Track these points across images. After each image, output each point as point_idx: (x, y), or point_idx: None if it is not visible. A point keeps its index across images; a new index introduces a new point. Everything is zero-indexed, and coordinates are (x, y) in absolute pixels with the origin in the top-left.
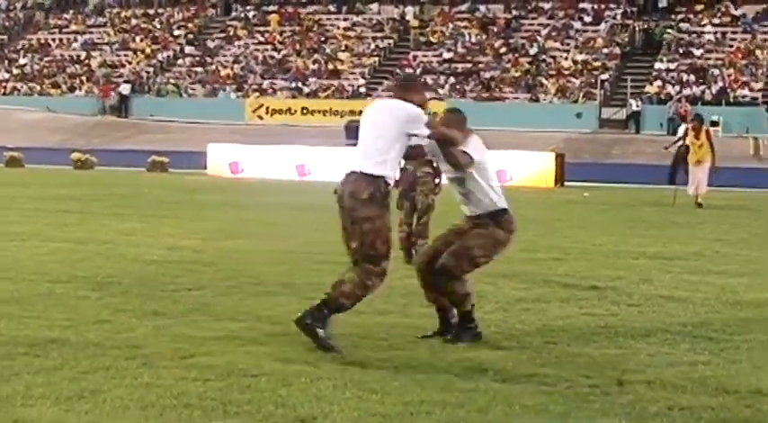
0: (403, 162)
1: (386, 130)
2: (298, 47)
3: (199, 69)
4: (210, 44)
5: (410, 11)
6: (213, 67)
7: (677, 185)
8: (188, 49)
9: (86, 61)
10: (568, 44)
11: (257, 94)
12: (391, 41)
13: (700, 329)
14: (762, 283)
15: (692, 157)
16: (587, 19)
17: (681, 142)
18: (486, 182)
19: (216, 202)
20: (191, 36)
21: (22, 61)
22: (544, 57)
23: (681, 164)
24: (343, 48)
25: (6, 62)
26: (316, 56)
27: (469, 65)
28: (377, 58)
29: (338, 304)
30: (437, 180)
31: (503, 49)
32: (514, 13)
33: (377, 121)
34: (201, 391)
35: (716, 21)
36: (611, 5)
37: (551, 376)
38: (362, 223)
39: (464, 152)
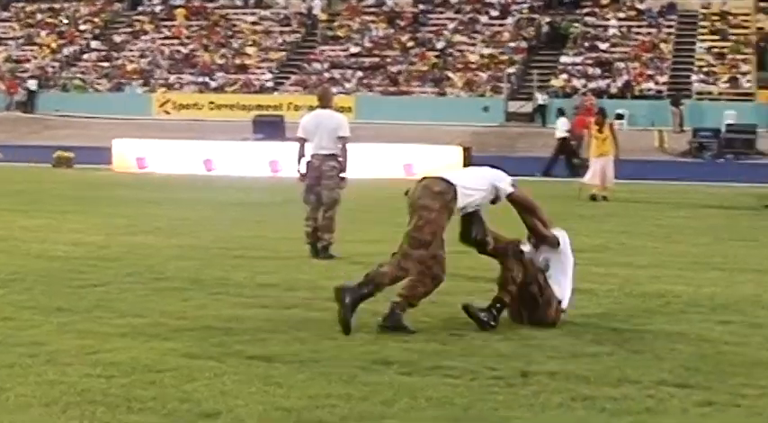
0: (308, 156)
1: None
2: (205, 41)
3: (105, 64)
4: (117, 39)
5: (317, 5)
6: (119, 61)
7: (580, 179)
8: (94, 44)
9: None
10: (475, 38)
11: (164, 88)
12: (299, 36)
13: (604, 321)
14: (666, 274)
15: (595, 150)
16: (494, 13)
17: (561, 135)
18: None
19: (122, 197)
20: (97, 31)
21: None
22: (451, 51)
23: (561, 156)
24: (250, 42)
25: None
26: (223, 50)
27: (377, 59)
28: (284, 53)
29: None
30: (342, 175)
31: (410, 44)
32: (421, 7)
33: None
34: (106, 388)
35: (621, 15)
36: (518, 0)
37: (456, 368)
38: (421, 211)
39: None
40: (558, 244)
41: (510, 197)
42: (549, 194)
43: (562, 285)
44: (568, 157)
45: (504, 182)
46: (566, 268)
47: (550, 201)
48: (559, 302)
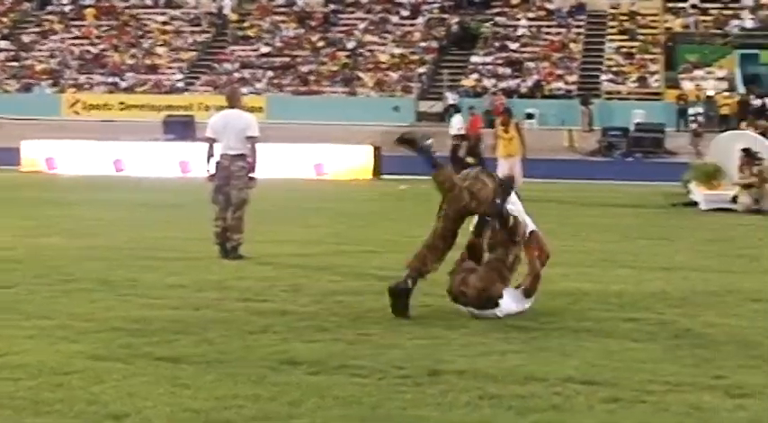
0: (218, 156)
1: None
2: (115, 41)
3: (14, 64)
4: (26, 39)
5: (227, 5)
6: (28, 61)
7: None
8: (2, 44)
9: None
10: (386, 38)
11: (74, 89)
12: (209, 36)
13: (512, 319)
14: (575, 272)
15: (501, 151)
16: (404, 13)
17: (456, 133)
18: None
19: (30, 199)
20: (6, 30)
21: None
22: (362, 51)
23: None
24: (160, 42)
25: None
26: (133, 50)
27: (287, 59)
28: (195, 53)
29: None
30: (251, 175)
31: (320, 43)
32: (332, 7)
33: None
34: (12, 391)
35: (531, 15)
36: (428, 0)
37: (364, 368)
38: None
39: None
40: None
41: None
42: None
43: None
44: (457, 155)
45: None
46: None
47: None
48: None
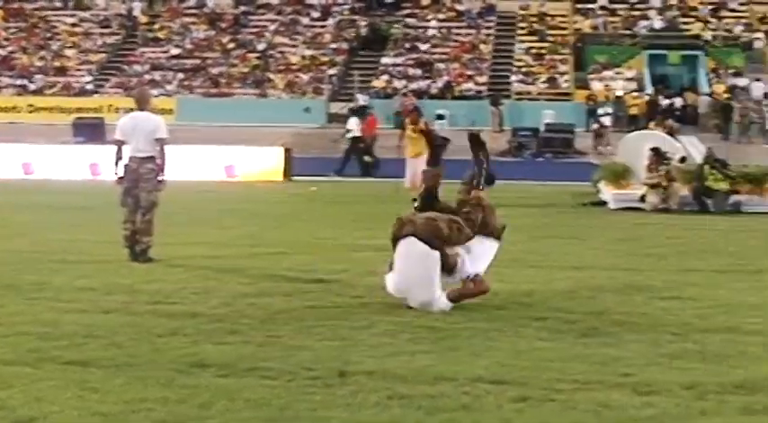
0: (127, 159)
1: None
2: (23, 43)
3: None
4: None
5: (137, 6)
6: None
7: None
8: None
9: None
10: (296, 39)
11: None
12: (119, 38)
13: (421, 320)
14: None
15: (410, 150)
16: (315, 14)
17: (350, 134)
18: None
19: None
20: None
21: None
22: (272, 52)
23: (353, 155)
24: (69, 44)
25: None
26: (42, 52)
27: (198, 61)
28: (104, 55)
29: None
30: (160, 177)
31: (231, 45)
32: (242, 8)
33: None
34: None
35: (441, 16)
36: (339, 1)
37: (274, 370)
38: None
39: None
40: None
41: None
42: (369, 194)
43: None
44: (359, 156)
45: None
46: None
47: (371, 201)
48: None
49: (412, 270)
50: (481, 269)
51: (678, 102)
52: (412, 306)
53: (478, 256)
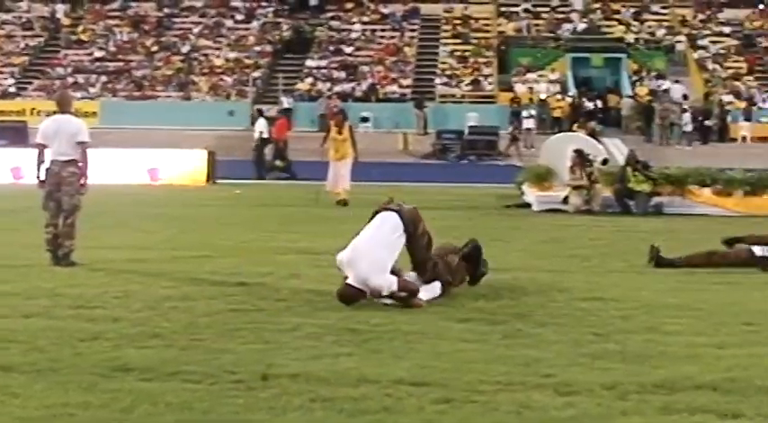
0: (49, 162)
1: None
2: None
3: None
4: None
5: (60, 9)
6: None
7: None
8: None
9: None
10: (220, 42)
11: None
12: (42, 40)
13: (344, 322)
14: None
15: (333, 154)
16: (239, 17)
17: (260, 135)
18: None
19: None
20: None
21: None
22: (196, 55)
23: (262, 158)
24: None
25: None
26: None
27: (121, 63)
28: (27, 58)
29: None
30: (83, 180)
31: (155, 48)
32: (166, 11)
33: None
34: None
35: (365, 19)
36: (263, 4)
37: (196, 373)
38: None
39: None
40: None
41: None
42: (293, 197)
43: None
44: (261, 157)
45: None
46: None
47: (295, 204)
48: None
49: (374, 238)
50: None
51: (601, 104)
52: (349, 282)
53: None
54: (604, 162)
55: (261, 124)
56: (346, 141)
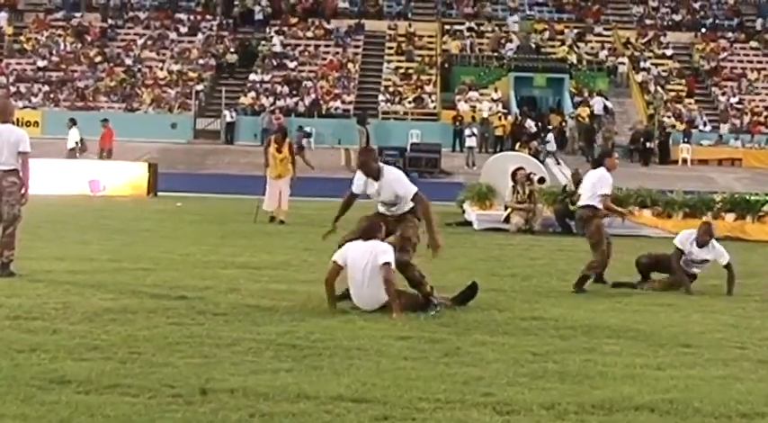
0: None
1: None
2: None
3: None
4: None
5: (3, 17)
6: None
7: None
8: None
9: None
10: (164, 54)
11: None
12: None
13: (285, 338)
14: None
15: (272, 172)
16: (183, 29)
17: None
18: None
19: None
20: None
21: None
22: (140, 66)
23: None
24: None
25: None
26: None
27: (64, 73)
28: None
29: None
30: (23, 190)
31: (98, 58)
32: (110, 22)
33: None
34: None
35: (309, 34)
36: (208, 17)
37: (134, 386)
38: None
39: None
40: None
41: None
42: (235, 212)
43: None
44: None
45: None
46: None
47: (237, 219)
48: None
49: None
50: None
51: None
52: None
53: None
54: (541, 181)
55: (73, 133)
56: (285, 160)
